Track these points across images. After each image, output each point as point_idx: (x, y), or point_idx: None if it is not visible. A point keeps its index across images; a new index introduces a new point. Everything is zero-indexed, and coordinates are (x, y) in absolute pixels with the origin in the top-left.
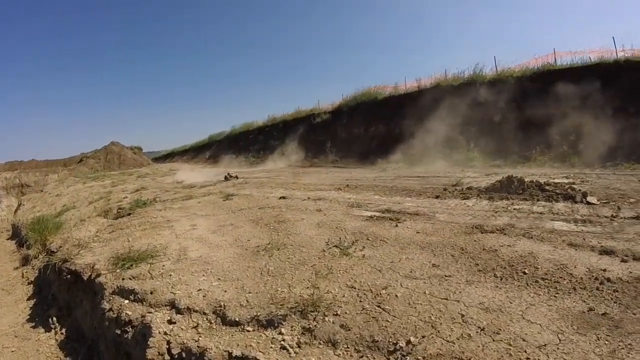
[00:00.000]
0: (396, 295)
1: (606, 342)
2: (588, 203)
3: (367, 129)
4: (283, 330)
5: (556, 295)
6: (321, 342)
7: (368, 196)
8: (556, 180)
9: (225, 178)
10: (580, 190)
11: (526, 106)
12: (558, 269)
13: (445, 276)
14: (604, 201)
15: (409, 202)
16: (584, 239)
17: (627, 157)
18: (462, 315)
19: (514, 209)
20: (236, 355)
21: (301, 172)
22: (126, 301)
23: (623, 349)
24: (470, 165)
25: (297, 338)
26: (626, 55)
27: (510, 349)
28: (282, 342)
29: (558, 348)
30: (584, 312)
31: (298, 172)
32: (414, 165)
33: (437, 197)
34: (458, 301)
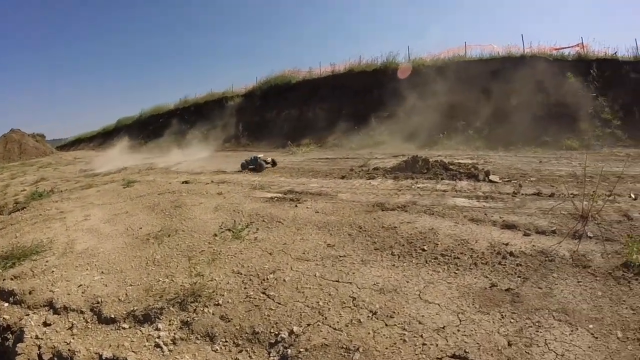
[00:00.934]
0: (284, 280)
1: (512, 321)
2: (490, 181)
3: (279, 112)
4: (160, 325)
5: (456, 271)
6: (199, 336)
7: (273, 178)
8: (461, 161)
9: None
10: (483, 169)
11: (434, 93)
12: (459, 244)
13: (340, 256)
14: (506, 179)
15: (314, 183)
16: (485, 214)
17: (529, 141)
18: (354, 299)
19: (418, 187)
20: (106, 357)
21: (211, 156)
22: (5, 304)
23: (530, 327)
24: (381, 147)
25: (174, 334)
26: (533, 51)
27: (404, 334)
28: (157, 340)
29: (458, 330)
30: (486, 289)
31: (207, 157)
32: (325, 148)
33: (343, 177)
34: (350, 283)
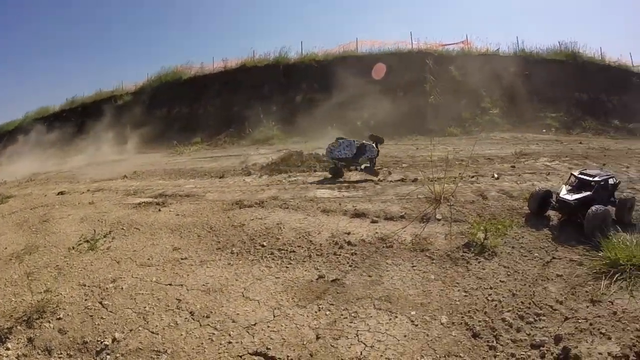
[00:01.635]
0: (122, 288)
1: (327, 313)
2: (362, 170)
3: (170, 110)
4: (10, 345)
5: (288, 266)
6: (39, 351)
7: (152, 182)
8: None
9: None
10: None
11: (325, 87)
12: (300, 237)
13: (181, 259)
14: (378, 167)
15: (190, 184)
16: (340, 204)
17: (413, 131)
18: (179, 301)
19: (289, 181)
20: None
21: (95, 162)
22: None
23: (346, 318)
24: (270, 143)
25: (19, 351)
26: (420, 47)
27: (214, 334)
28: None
29: (268, 326)
30: (312, 281)
31: (92, 163)
32: (215, 146)
33: (221, 176)
34: (181, 285)
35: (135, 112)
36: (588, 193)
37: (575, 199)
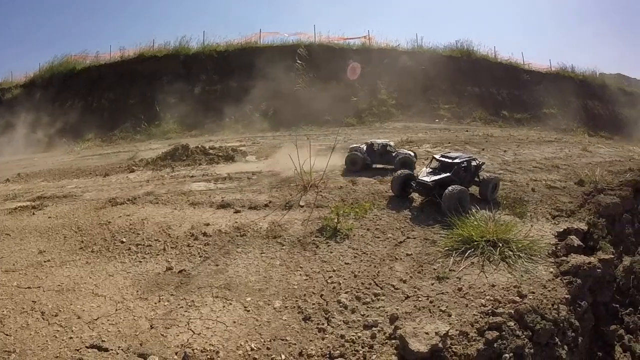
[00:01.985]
0: None
1: (166, 303)
2: (247, 161)
3: (62, 104)
4: None
5: (142, 260)
6: None
7: (35, 184)
8: (228, 144)
9: None
10: (242, 150)
11: (223, 78)
12: (160, 231)
13: (44, 262)
14: (263, 158)
15: (72, 185)
16: (210, 196)
17: (311, 122)
18: (34, 302)
19: (171, 175)
20: None
21: None
22: None
23: (182, 307)
24: (167, 137)
25: None
26: (322, 40)
27: (58, 331)
28: None
29: (108, 320)
30: (159, 274)
31: None
32: (110, 142)
33: (105, 175)
34: (39, 287)
35: (25, 107)
36: (447, 174)
37: (433, 180)
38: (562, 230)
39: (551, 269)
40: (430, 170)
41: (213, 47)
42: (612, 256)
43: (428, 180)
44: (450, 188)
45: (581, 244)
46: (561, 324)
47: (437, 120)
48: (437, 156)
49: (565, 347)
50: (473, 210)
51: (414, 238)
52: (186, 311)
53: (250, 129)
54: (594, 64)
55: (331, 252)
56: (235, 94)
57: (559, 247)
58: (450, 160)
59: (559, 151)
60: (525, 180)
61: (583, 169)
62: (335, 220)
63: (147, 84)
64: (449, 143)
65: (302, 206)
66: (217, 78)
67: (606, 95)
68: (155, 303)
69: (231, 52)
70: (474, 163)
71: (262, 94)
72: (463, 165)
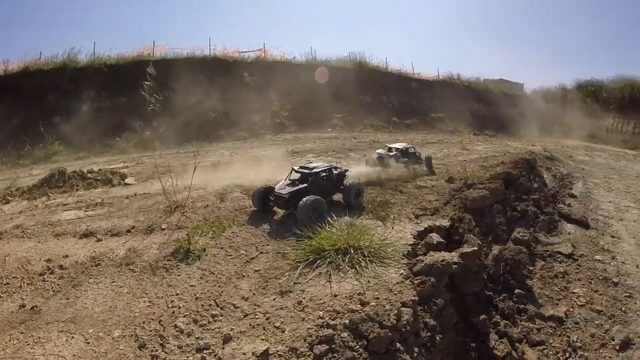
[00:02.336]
0: None
1: (15, 342)
2: (126, 184)
3: None
4: None
5: None
6: None
7: None
8: (110, 167)
9: None
10: (122, 173)
11: (112, 94)
12: (19, 267)
13: None
14: (142, 180)
15: None
16: (76, 225)
17: (205, 137)
18: None
19: (45, 204)
20: None
21: None
22: None
23: (29, 344)
24: (53, 161)
25: None
26: (217, 53)
27: None
28: None
29: None
30: (14, 312)
31: None
32: None
33: None
34: None
35: None
36: (303, 185)
37: (289, 192)
38: (422, 229)
39: (402, 271)
40: (290, 182)
41: (103, 59)
42: (476, 248)
43: (284, 193)
44: (304, 199)
45: (442, 240)
46: (403, 329)
47: (329, 130)
48: (296, 167)
49: (416, 349)
50: (332, 219)
51: (267, 253)
52: (32, 348)
53: (139, 148)
54: (478, 71)
55: (179, 275)
56: (123, 111)
57: (420, 247)
58: (307, 171)
59: (438, 152)
60: (394, 183)
61: (456, 167)
62: (187, 242)
63: (32, 101)
64: (333, 151)
65: (163, 229)
66: (106, 94)
67: (489, 98)
68: (6, 342)
69: (122, 66)
70: (335, 171)
71: (153, 111)
72: (323, 174)
